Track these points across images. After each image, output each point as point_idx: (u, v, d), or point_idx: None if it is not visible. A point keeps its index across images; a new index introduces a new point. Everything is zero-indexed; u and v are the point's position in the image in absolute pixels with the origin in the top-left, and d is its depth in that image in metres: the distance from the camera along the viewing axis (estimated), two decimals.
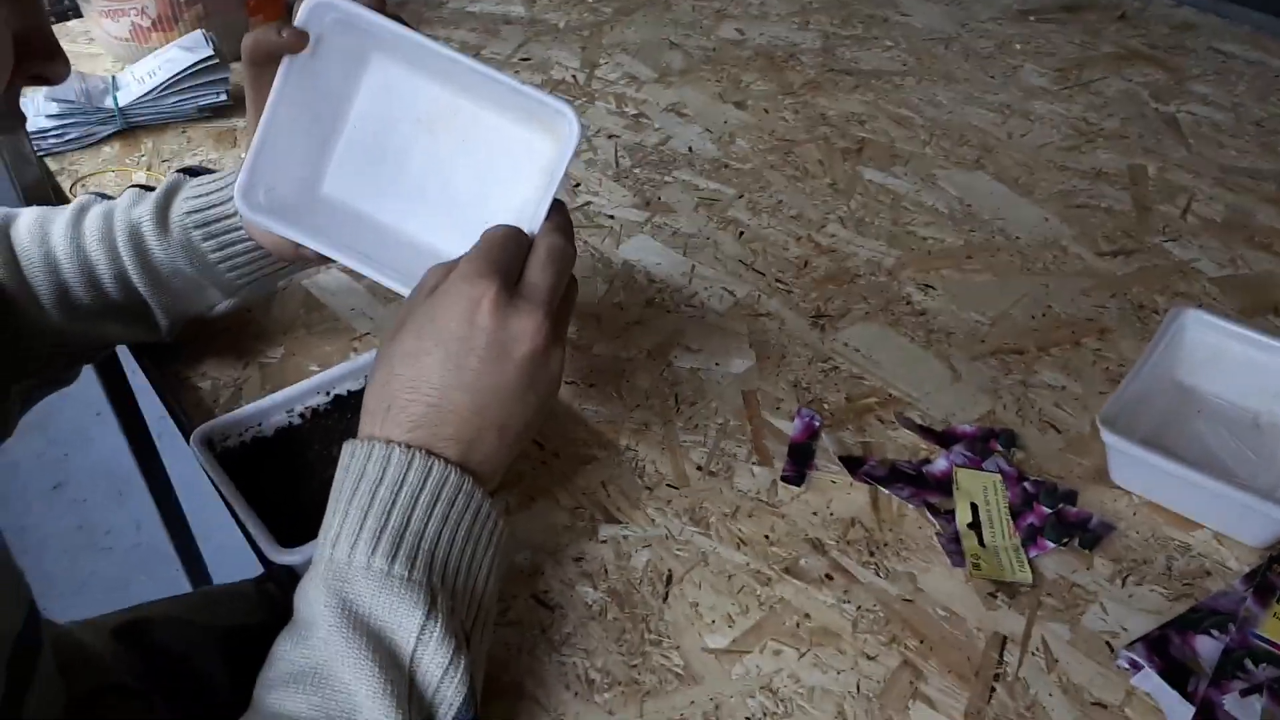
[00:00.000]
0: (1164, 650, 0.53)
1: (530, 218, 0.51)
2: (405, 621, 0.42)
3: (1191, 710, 0.50)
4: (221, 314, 0.66)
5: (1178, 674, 0.52)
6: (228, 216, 0.60)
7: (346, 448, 0.47)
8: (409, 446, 0.45)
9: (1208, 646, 0.53)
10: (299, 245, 0.55)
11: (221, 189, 0.61)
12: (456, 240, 0.52)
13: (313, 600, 0.43)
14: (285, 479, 0.58)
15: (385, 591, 0.43)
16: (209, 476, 0.56)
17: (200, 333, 0.70)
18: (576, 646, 0.53)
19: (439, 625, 0.43)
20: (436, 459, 0.45)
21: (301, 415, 0.61)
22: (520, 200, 0.55)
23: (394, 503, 0.44)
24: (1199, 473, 0.57)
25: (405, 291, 0.52)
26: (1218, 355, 0.68)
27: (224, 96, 0.96)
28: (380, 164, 0.57)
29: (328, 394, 0.62)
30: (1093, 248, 0.83)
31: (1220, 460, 0.64)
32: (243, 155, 0.54)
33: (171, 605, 0.74)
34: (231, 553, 0.98)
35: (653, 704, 0.50)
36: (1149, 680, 0.52)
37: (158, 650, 0.68)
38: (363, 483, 0.45)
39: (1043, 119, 0.99)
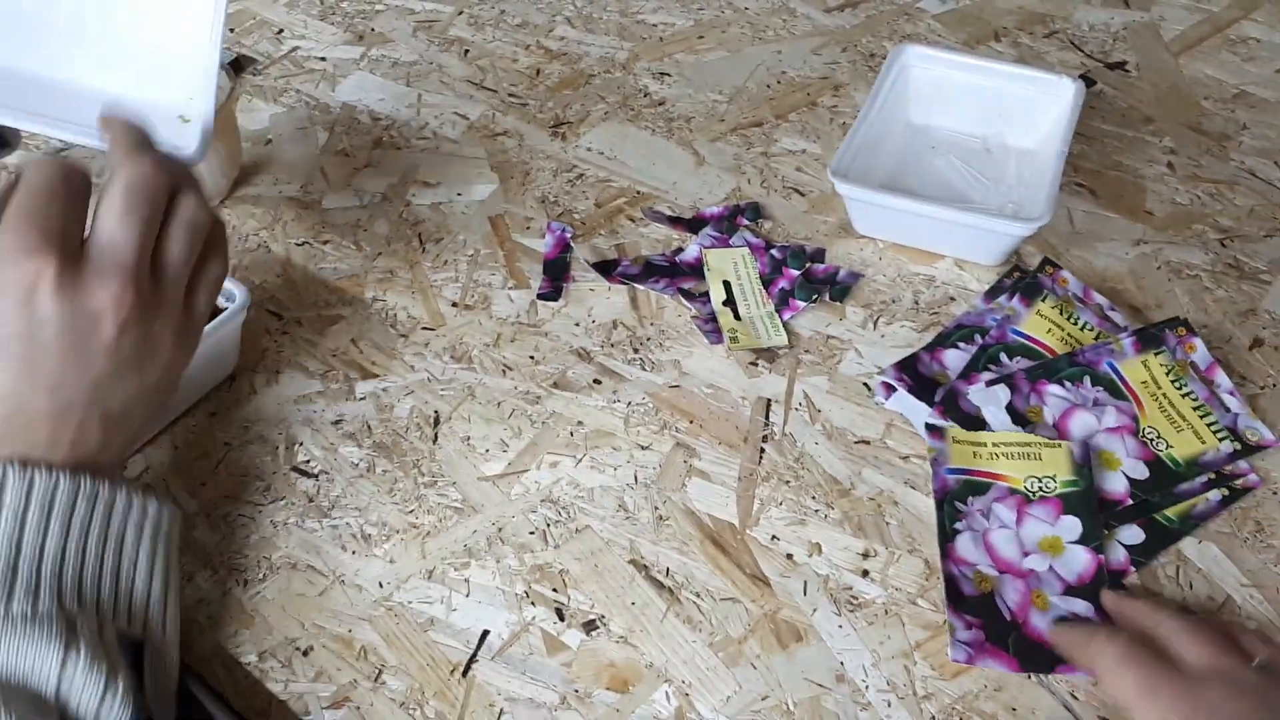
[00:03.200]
0: (913, 369, 0.55)
1: (205, 45, 0.47)
2: (40, 665, 0.36)
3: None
4: None
5: (926, 388, 0.54)
6: None
7: None
8: None
9: (955, 358, 0.56)
10: None
11: None
12: (135, 79, 0.48)
13: None
14: None
15: (7, 637, 0.36)
16: None
17: None
18: (348, 507, 0.51)
19: (83, 654, 0.37)
20: (37, 469, 0.38)
21: None
22: (192, 16, 0.49)
23: None
24: (928, 204, 0.59)
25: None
26: (942, 88, 0.69)
27: None
28: (20, 7, 0.50)
29: None
30: (820, 5, 0.82)
31: (957, 190, 0.66)
32: None
33: None
34: None
35: (434, 543, 0.50)
36: (901, 401, 0.54)
37: None
38: None
39: None
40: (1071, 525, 0.48)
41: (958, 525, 0.49)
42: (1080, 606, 0.46)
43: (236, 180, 0.67)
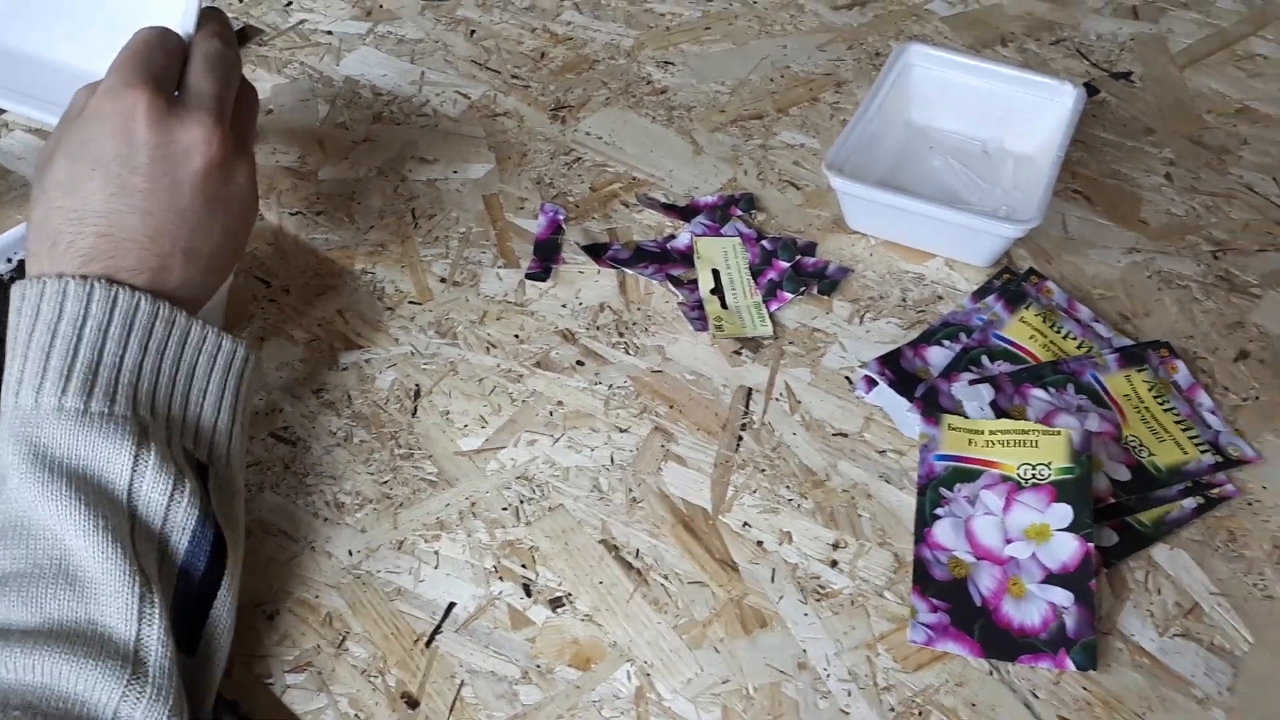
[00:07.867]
0: (896, 364, 0.55)
1: (179, 23, 0.46)
2: (114, 457, 0.39)
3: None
4: None
5: (907, 383, 0.54)
6: None
7: (15, 290, 0.42)
8: (85, 278, 0.41)
9: (939, 355, 0.56)
10: None
11: None
12: None
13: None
14: None
15: (84, 430, 0.39)
16: None
17: None
18: (323, 475, 0.51)
19: (154, 454, 0.40)
20: (121, 287, 0.41)
21: None
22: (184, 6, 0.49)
23: (79, 338, 0.40)
24: (918, 201, 0.59)
25: None
26: (944, 89, 0.68)
27: None
28: None
29: (10, 260, 0.56)
30: (829, 3, 0.81)
31: (953, 191, 0.66)
32: None
33: None
34: None
35: (406, 514, 0.50)
36: (882, 395, 0.54)
37: None
38: (39, 322, 0.40)
39: None
40: (1063, 512, 0.47)
41: (938, 511, 0.49)
42: (1059, 595, 0.46)
43: None
